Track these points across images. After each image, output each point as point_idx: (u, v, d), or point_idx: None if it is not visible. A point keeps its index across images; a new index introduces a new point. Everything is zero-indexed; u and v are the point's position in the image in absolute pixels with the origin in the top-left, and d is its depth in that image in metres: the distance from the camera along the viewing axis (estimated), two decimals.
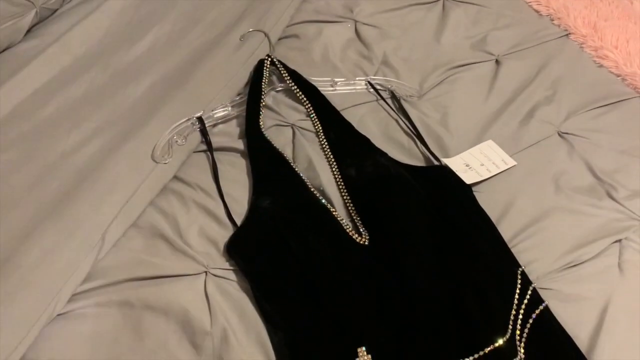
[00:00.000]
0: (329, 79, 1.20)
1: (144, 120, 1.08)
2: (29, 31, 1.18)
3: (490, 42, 1.34)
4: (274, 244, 0.94)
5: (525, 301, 0.89)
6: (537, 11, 1.44)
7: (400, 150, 1.11)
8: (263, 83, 1.16)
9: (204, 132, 1.10)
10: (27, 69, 1.09)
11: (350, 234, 0.96)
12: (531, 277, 0.93)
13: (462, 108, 1.19)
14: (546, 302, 0.90)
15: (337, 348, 0.84)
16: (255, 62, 1.20)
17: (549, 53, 1.33)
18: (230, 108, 1.14)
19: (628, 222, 1.01)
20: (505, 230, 0.99)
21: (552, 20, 1.42)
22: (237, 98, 1.16)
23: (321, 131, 1.13)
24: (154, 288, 0.90)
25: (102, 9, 1.22)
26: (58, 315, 0.86)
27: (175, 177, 1.05)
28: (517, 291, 0.90)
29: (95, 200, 0.96)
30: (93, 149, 1.03)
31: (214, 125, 1.13)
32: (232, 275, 0.93)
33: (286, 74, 1.17)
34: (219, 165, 1.06)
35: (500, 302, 0.89)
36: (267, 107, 1.16)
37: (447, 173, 1.05)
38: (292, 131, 1.14)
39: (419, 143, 1.12)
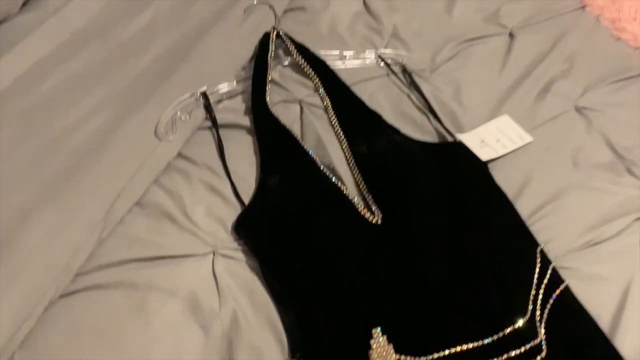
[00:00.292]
0: (338, 52, 1.16)
1: (146, 96, 1.04)
2: (25, 4, 1.13)
3: (504, 15, 1.29)
4: (284, 223, 0.90)
5: (545, 281, 0.86)
6: None
7: (413, 126, 1.08)
8: (269, 57, 1.11)
9: (208, 108, 1.06)
10: (24, 43, 1.04)
11: (362, 212, 0.93)
12: (550, 257, 0.90)
13: (476, 82, 1.15)
14: (567, 282, 0.86)
15: (351, 328, 0.81)
16: (260, 36, 1.15)
17: (564, 26, 1.28)
18: (235, 83, 1.10)
19: None
20: (523, 209, 0.96)
21: None
22: (242, 73, 1.12)
23: (330, 107, 1.09)
24: (159, 268, 0.87)
25: None
26: (61, 296, 0.83)
27: (180, 155, 1.01)
28: (537, 271, 0.87)
29: (97, 178, 0.92)
30: (94, 126, 0.99)
31: (219, 101, 1.09)
32: (240, 256, 0.90)
33: (293, 48, 1.13)
34: (224, 142, 1.02)
35: (519, 282, 0.85)
36: (273, 82, 1.11)
37: (462, 150, 1.01)
38: (299, 107, 1.10)
39: (431, 118, 1.08)
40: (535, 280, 0.86)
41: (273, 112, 1.06)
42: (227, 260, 0.89)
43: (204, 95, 1.06)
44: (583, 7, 1.33)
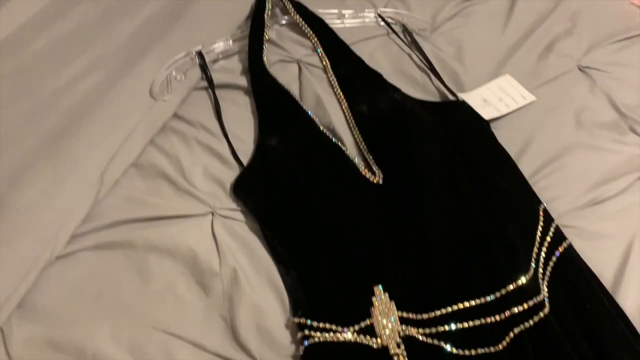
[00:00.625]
0: (336, 11, 1.13)
1: (140, 55, 1.02)
2: None
3: None
4: (284, 183, 0.89)
5: (548, 239, 0.85)
6: None
7: (414, 85, 1.06)
8: (266, 15, 1.08)
9: (204, 68, 1.03)
10: (14, 1, 1.01)
11: (362, 172, 0.91)
12: (553, 215, 0.89)
13: (478, 42, 1.13)
14: (569, 240, 0.86)
15: (353, 286, 0.80)
16: None
17: None
18: (231, 42, 1.07)
19: None
20: (525, 168, 0.94)
21: None
22: (239, 32, 1.09)
23: (329, 67, 1.06)
24: (157, 229, 0.85)
25: None
26: (57, 257, 0.82)
27: (176, 116, 0.99)
28: (540, 229, 0.86)
29: (91, 138, 0.90)
30: (87, 86, 0.97)
31: (215, 61, 1.07)
32: (239, 216, 0.88)
33: (290, 6, 1.10)
34: (221, 103, 1.00)
35: (522, 239, 0.84)
36: (270, 41, 1.09)
37: (465, 108, 0.99)
38: (298, 67, 1.07)
39: (433, 78, 1.06)
40: (538, 238, 0.85)
41: (271, 72, 1.04)
42: (226, 221, 0.87)
43: (200, 54, 1.04)
44: None
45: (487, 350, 0.76)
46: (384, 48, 1.11)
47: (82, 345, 0.75)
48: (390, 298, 0.79)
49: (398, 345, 0.76)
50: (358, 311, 0.78)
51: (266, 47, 1.06)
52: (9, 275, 0.77)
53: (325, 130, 0.97)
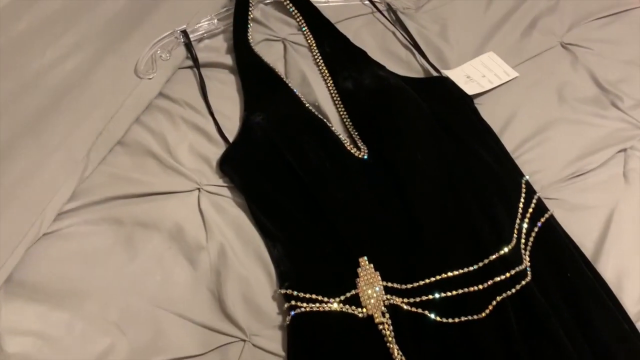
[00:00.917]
0: None
1: (125, 34, 1.01)
2: None
3: None
4: (270, 159, 0.90)
5: (530, 210, 0.86)
6: None
7: (399, 63, 1.06)
8: None
9: (189, 47, 1.03)
10: None
11: (348, 148, 0.92)
12: (535, 188, 0.90)
13: (462, 20, 1.13)
14: (551, 211, 0.87)
15: (338, 258, 0.81)
16: None
17: None
18: (216, 21, 1.07)
19: (633, 131, 0.98)
20: (508, 142, 0.96)
21: None
22: (223, 10, 1.08)
23: (314, 45, 1.07)
24: (144, 205, 0.86)
25: None
26: (44, 234, 0.82)
27: (161, 94, 1.00)
28: (522, 200, 0.87)
29: (77, 116, 0.90)
30: (72, 65, 0.96)
31: (200, 40, 1.07)
32: (226, 192, 0.89)
33: None
34: (207, 82, 1.01)
35: (505, 211, 0.86)
36: (255, 20, 1.09)
37: (448, 84, 1.00)
38: (283, 46, 1.08)
39: (417, 55, 1.07)
40: (520, 210, 0.86)
41: (256, 50, 1.04)
42: (212, 197, 0.88)
43: (184, 33, 1.04)
44: None
45: (470, 317, 0.77)
46: (368, 26, 1.11)
47: (71, 320, 0.76)
48: (376, 269, 0.80)
49: (383, 314, 0.77)
50: (344, 282, 0.80)
51: (251, 25, 1.07)
52: None
53: (310, 107, 0.97)
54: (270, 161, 0.90)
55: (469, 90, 1.00)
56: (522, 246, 0.84)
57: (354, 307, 0.78)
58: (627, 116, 1.00)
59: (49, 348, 0.73)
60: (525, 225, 0.85)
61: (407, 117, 0.92)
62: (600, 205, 0.90)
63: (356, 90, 0.99)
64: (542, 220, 0.86)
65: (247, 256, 0.83)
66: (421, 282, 0.80)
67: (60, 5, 1.02)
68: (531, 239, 0.85)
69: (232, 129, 0.96)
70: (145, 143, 0.93)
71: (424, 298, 0.79)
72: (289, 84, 1.00)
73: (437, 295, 0.79)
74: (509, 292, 0.79)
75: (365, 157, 0.92)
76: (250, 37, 1.05)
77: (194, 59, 1.03)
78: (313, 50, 1.06)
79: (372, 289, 0.79)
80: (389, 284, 0.79)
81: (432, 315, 0.78)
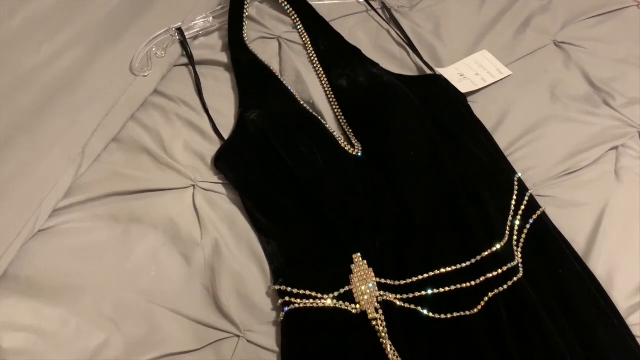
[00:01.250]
0: None
1: (120, 31, 1.01)
2: None
3: None
4: (264, 155, 0.90)
5: (523, 207, 0.87)
6: None
7: (393, 61, 1.07)
8: None
9: (184, 44, 1.04)
10: None
11: (342, 145, 0.93)
12: (528, 185, 0.91)
13: (456, 18, 1.14)
14: (543, 208, 0.88)
15: (332, 254, 0.82)
16: None
17: None
18: (211, 19, 1.08)
19: (625, 129, 0.99)
20: (501, 140, 0.96)
21: None
22: (219, 8, 1.09)
23: (309, 43, 1.07)
24: (139, 202, 0.86)
25: None
26: (40, 231, 0.83)
27: (157, 92, 1.00)
28: (514, 197, 0.88)
29: (72, 113, 0.91)
30: (67, 62, 0.96)
31: (195, 38, 1.07)
32: (221, 189, 0.90)
33: None
34: (202, 79, 1.01)
35: (498, 208, 0.87)
36: (250, 18, 1.09)
37: (442, 82, 1.01)
38: (278, 44, 1.08)
39: (411, 53, 1.07)
40: (512, 207, 0.87)
41: (251, 48, 1.04)
42: (207, 194, 0.89)
43: (180, 30, 1.04)
44: None
45: (462, 313, 0.78)
46: (363, 24, 1.12)
47: (66, 315, 0.76)
48: (369, 265, 0.81)
49: (376, 310, 0.78)
50: (337, 278, 0.80)
51: (246, 23, 1.07)
52: None
53: (305, 105, 0.98)
54: (265, 158, 0.90)
55: (463, 88, 1.01)
56: (514, 243, 0.84)
57: (347, 303, 0.79)
58: (619, 114, 1.01)
59: (44, 343, 0.73)
60: (517, 222, 0.86)
61: (400, 114, 0.93)
62: (591, 202, 0.91)
63: (350, 87, 1.00)
64: (534, 217, 0.87)
65: (241, 252, 0.83)
66: (414, 279, 0.80)
67: (55, 1, 1.03)
68: (523, 235, 0.85)
69: (226, 126, 0.96)
70: (140, 140, 0.93)
71: (417, 294, 0.79)
72: (284, 82, 1.01)
73: (429, 292, 0.80)
74: (500, 289, 0.79)
75: (359, 154, 0.92)
76: (245, 35, 1.06)
77: (189, 56, 1.03)
78: (308, 48, 1.07)
79: (365, 285, 0.79)
80: (382, 280, 0.80)
81: (425, 311, 0.78)
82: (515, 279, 0.80)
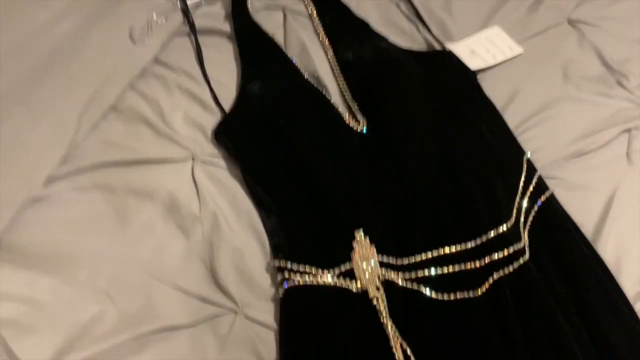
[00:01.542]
0: None
1: None
2: None
3: None
4: (266, 129, 0.88)
5: (531, 188, 0.85)
6: None
7: (401, 35, 1.03)
8: None
9: (186, 12, 1.00)
10: None
11: (346, 120, 0.90)
12: (537, 166, 0.88)
13: None
14: (552, 190, 0.86)
15: (334, 230, 0.80)
16: None
17: None
18: None
19: (638, 111, 0.96)
20: (511, 119, 0.94)
21: None
22: None
23: (315, 14, 1.04)
24: (137, 173, 0.84)
25: None
26: (35, 200, 0.80)
27: (156, 61, 0.97)
28: (522, 178, 0.85)
29: (69, 80, 0.88)
30: (65, 28, 0.94)
31: (197, 6, 1.03)
32: (221, 163, 0.87)
33: None
34: (203, 49, 0.98)
35: (505, 188, 0.84)
36: None
37: (451, 58, 0.97)
38: (283, 14, 1.05)
39: (421, 28, 1.04)
40: (520, 188, 0.85)
41: (255, 19, 1.01)
42: (207, 167, 0.86)
43: None
44: None
45: (466, 295, 0.76)
46: None
47: (60, 286, 0.74)
48: (371, 242, 0.79)
49: (377, 289, 0.76)
50: (338, 255, 0.78)
51: None
52: None
53: (309, 78, 0.95)
54: (267, 132, 0.88)
55: (473, 65, 0.98)
56: (521, 224, 0.82)
57: (348, 281, 0.77)
58: (633, 96, 0.98)
59: (37, 314, 0.72)
60: (525, 204, 0.84)
61: (407, 91, 0.90)
62: (601, 185, 0.89)
63: (357, 61, 0.97)
64: (543, 198, 0.84)
65: (240, 227, 0.81)
66: (417, 258, 0.78)
67: None
68: (530, 217, 0.83)
69: (228, 98, 0.93)
70: (139, 110, 0.90)
71: (420, 274, 0.77)
72: (288, 54, 0.98)
73: (432, 272, 0.78)
74: (506, 271, 0.77)
75: (364, 130, 0.89)
76: (249, 5, 1.02)
77: (191, 25, 1.00)
78: (314, 19, 1.04)
79: (366, 263, 0.77)
80: (384, 259, 0.78)
81: (427, 292, 0.76)
82: (521, 261, 0.78)
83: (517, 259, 0.78)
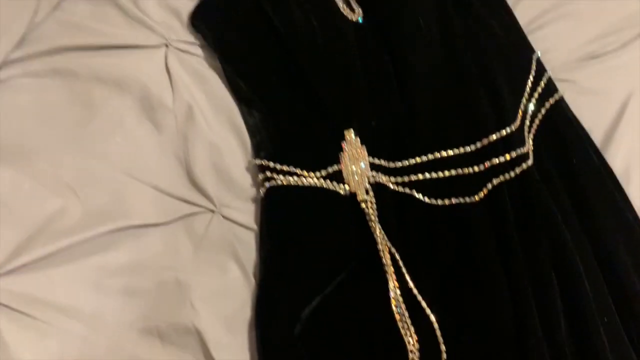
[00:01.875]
0: None
1: None
2: None
3: None
4: (250, 15, 0.78)
5: (539, 89, 0.78)
6: None
7: None
8: None
9: None
10: None
11: (341, 8, 0.81)
12: (547, 67, 0.81)
13: None
14: (562, 93, 0.78)
15: (322, 129, 0.73)
16: None
17: None
18: None
19: None
20: (522, 16, 0.85)
21: None
22: None
23: None
24: (103, 58, 0.76)
25: None
26: None
27: None
28: (531, 79, 0.78)
29: None
30: None
31: None
32: (198, 51, 0.79)
33: None
34: None
35: (511, 88, 0.77)
36: None
37: None
38: None
39: None
40: (528, 89, 0.77)
41: None
42: (182, 55, 0.78)
43: None
44: None
45: (461, 200, 0.71)
46: None
47: (18, 178, 0.68)
48: (362, 143, 0.72)
49: (367, 192, 0.70)
50: (326, 155, 0.72)
51: None
52: None
53: None
54: (250, 18, 0.78)
55: None
56: (527, 128, 0.75)
57: (335, 183, 0.71)
58: None
59: None
60: (531, 106, 0.77)
61: None
62: (616, 90, 0.82)
63: None
64: (551, 101, 0.77)
65: (218, 121, 0.74)
66: (411, 161, 0.72)
67: None
68: (537, 121, 0.77)
69: None
70: None
71: (413, 178, 0.71)
72: None
73: (427, 176, 0.72)
74: (507, 176, 0.71)
75: (360, 19, 0.80)
76: None
77: None
78: None
79: (356, 164, 0.71)
80: (376, 161, 0.72)
81: (420, 196, 0.71)
82: (524, 166, 0.72)
83: (520, 164, 0.72)
